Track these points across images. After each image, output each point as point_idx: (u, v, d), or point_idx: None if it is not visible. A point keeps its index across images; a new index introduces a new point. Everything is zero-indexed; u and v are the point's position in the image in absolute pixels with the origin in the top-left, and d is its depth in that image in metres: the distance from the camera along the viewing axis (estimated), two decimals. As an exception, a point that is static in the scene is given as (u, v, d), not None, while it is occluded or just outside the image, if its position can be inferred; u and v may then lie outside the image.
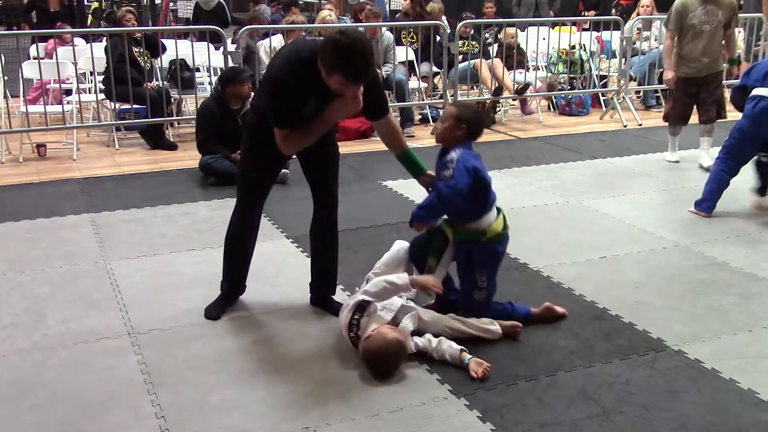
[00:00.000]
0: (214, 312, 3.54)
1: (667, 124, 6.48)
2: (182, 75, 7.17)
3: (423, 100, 8.32)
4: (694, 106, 6.23)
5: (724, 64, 6.44)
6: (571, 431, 2.64)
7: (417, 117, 8.06)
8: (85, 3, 13.79)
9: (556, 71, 8.83)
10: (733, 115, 5.48)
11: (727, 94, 5.77)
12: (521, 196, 5.44)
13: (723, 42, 6.16)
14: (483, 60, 8.03)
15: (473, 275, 3.33)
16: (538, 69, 8.81)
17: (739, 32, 9.83)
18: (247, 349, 3.21)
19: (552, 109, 8.91)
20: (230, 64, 7.03)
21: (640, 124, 8.04)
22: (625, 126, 7.99)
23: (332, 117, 3.17)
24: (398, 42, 8.10)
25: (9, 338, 3.30)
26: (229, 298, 3.63)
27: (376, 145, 7.14)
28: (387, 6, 14.88)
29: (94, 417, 2.72)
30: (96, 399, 2.83)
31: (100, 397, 2.84)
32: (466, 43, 8.20)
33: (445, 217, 3.37)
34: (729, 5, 6.06)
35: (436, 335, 3.16)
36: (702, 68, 6.07)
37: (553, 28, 9.30)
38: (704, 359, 3.13)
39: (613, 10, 10.80)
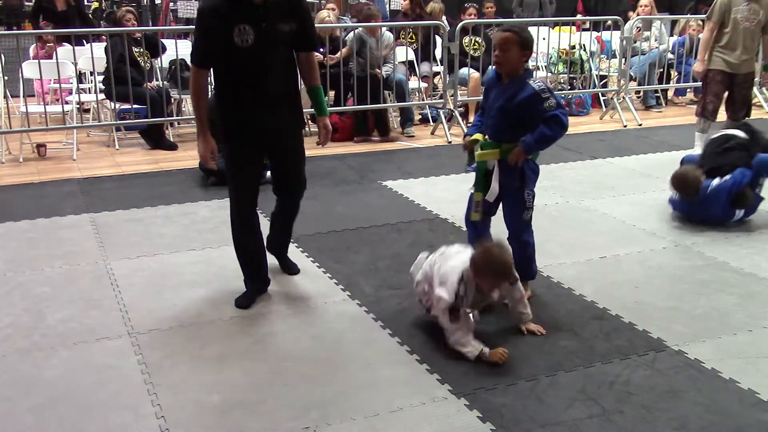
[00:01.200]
0: (243, 301, 3.62)
1: (696, 120, 6.36)
2: (182, 75, 7.17)
3: (423, 100, 8.31)
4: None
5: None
6: (571, 431, 2.64)
7: (417, 117, 8.06)
8: (85, 3, 13.77)
9: (556, 71, 8.83)
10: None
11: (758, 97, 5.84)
12: (521, 196, 5.43)
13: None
14: (476, 75, 7.93)
15: (522, 195, 3.52)
16: (538, 69, 8.81)
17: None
18: (247, 349, 3.21)
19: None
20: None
21: (640, 124, 8.04)
22: (625, 126, 7.99)
23: (200, 135, 3.42)
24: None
25: (9, 338, 3.30)
26: (254, 289, 3.69)
27: (376, 145, 7.15)
28: (387, 6, 14.88)
29: (95, 417, 2.72)
30: (96, 399, 2.83)
31: (101, 398, 2.84)
32: (473, 40, 8.12)
33: (485, 140, 3.51)
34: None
35: None
36: (739, 65, 6.08)
37: (553, 28, 9.30)
38: (704, 359, 3.13)
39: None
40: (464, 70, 7.88)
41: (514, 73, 3.43)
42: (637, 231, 4.71)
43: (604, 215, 5.01)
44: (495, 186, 3.52)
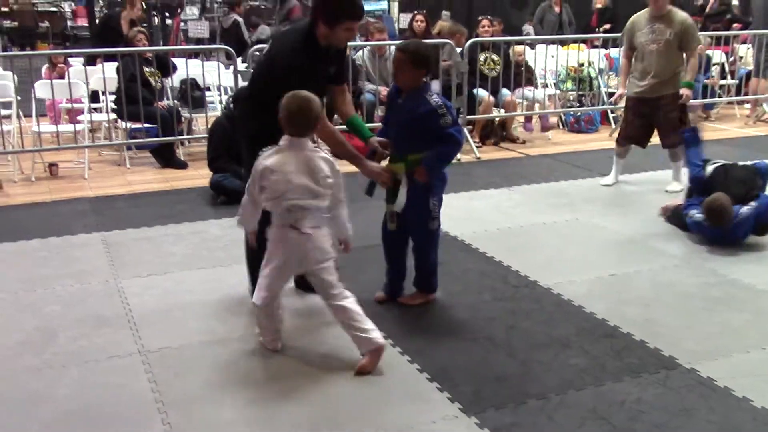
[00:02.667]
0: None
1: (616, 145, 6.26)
2: (193, 94, 7.22)
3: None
4: (652, 129, 6.03)
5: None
6: (583, 450, 2.62)
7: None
8: (97, 23, 13.91)
9: (564, 88, 8.84)
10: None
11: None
12: (530, 213, 5.44)
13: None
14: (491, 98, 7.90)
15: (428, 204, 3.61)
16: (546, 86, 8.83)
17: (748, 48, 9.86)
18: (258, 366, 3.21)
19: (561, 127, 8.91)
20: (240, 83, 7.07)
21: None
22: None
23: (364, 168, 3.61)
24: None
25: (20, 356, 3.31)
26: None
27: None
28: (395, 25, 14.97)
29: (105, 436, 2.72)
30: (106, 417, 2.83)
31: (111, 416, 2.84)
32: (488, 58, 8.08)
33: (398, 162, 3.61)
34: (680, 23, 5.72)
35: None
36: (650, 89, 5.81)
37: (562, 46, 9.33)
38: (717, 377, 3.10)
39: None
40: (478, 92, 7.81)
41: (412, 88, 3.54)
42: (647, 248, 4.70)
43: (615, 232, 5.00)
44: (402, 197, 3.60)
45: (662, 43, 5.74)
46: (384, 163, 3.69)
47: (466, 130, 7.52)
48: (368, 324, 3.17)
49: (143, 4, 9.61)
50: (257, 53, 7.54)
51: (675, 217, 5.06)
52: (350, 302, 3.19)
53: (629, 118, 6.10)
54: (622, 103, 6.31)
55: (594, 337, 3.48)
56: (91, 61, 8.02)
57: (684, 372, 3.16)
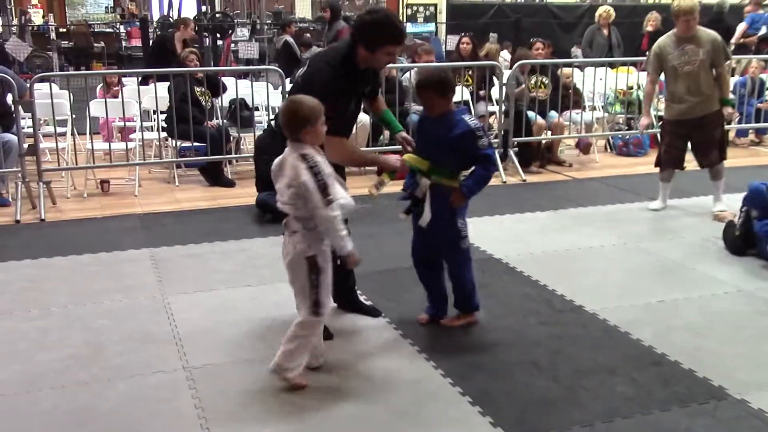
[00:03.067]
0: (326, 333, 3.63)
1: (658, 170, 6.14)
2: (242, 114, 7.33)
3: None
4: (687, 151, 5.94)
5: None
6: (628, 480, 2.56)
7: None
8: (150, 44, 14.25)
9: (613, 111, 8.75)
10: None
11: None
12: (577, 237, 5.37)
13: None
14: (542, 122, 7.85)
15: (455, 225, 3.62)
16: (595, 109, 8.75)
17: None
18: (299, 387, 3.22)
19: (609, 150, 8.81)
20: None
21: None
22: (685, 167, 7.83)
23: (382, 163, 3.61)
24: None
25: (68, 370, 3.38)
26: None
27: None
28: (443, 47, 15.02)
29: (148, 450, 2.75)
30: (150, 432, 2.87)
31: (154, 430, 2.88)
32: (539, 81, 8.03)
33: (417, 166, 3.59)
34: (710, 42, 5.69)
35: None
36: (689, 110, 5.75)
37: (611, 68, 9.24)
38: (769, 409, 3.02)
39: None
40: (530, 114, 7.79)
41: (446, 113, 3.57)
42: (697, 275, 4.60)
43: (663, 258, 4.91)
44: (428, 212, 3.58)
45: (697, 64, 5.72)
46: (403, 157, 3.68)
47: (512, 153, 7.50)
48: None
49: (195, 26, 9.81)
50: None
51: (728, 233, 5.04)
52: (296, 321, 3.18)
53: (670, 141, 6.00)
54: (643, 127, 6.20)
55: (641, 364, 3.41)
56: (144, 80, 8.21)
57: (734, 403, 3.08)
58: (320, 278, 3.11)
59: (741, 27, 11.98)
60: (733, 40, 11.67)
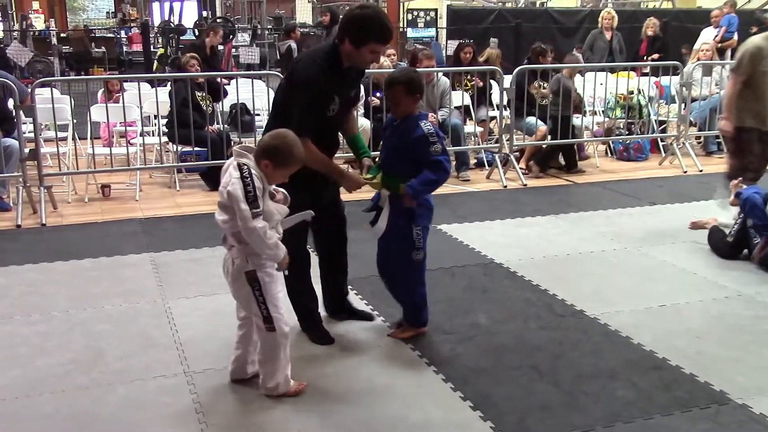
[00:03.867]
0: (327, 338, 3.68)
1: (732, 183, 5.35)
2: (242, 119, 7.34)
3: (479, 144, 8.32)
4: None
5: None
6: (630, 485, 2.56)
7: (472, 161, 8.07)
8: (152, 49, 14.28)
9: (613, 116, 8.76)
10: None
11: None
12: (578, 241, 5.37)
13: None
14: (544, 128, 7.84)
15: (410, 234, 3.52)
16: (596, 113, 8.75)
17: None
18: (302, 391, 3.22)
19: (609, 155, 8.82)
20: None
21: (701, 170, 7.89)
22: (686, 172, 7.86)
23: (346, 182, 3.54)
24: (453, 87, 8.14)
25: (69, 374, 3.38)
26: (316, 320, 3.77)
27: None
28: (443, 52, 15.05)
29: (149, 455, 2.75)
30: (151, 437, 2.87)
31: (155, 435, 2.88)
32: (541, 86, 8.03)
33: (376, 174, 3.55)
34: None
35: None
36: None
37: (611, 73, 9.25)
38: (770, 414, 3.01)
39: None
40: (531, 120, 7.80)
41: (409, 116, 3.53)
42: (698, 279, 4.60)
43: (664, 262, 4.91)
44: (382, 222, 3.52)
45: None
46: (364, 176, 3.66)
47: (513, 157, 7.50)
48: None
49: (197, 31, 9.89)
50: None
51: (714, 237, 5.07)
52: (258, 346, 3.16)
53: (753, 150, 5.51)
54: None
55: (642, 369, 3.41)
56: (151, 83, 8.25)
57: (735, 407, 3.07)
58: (264, 292, 3.01)
59: (715, 31, 11.75)
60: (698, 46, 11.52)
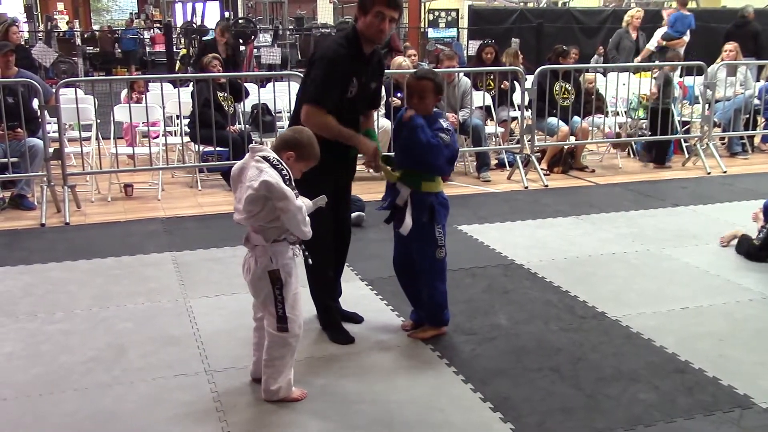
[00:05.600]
0: (347, 337, 3.69)
1: None
2: (264, 119, 7.37)
3: (500, 145, 8.30)
4: None
5: None
6: (651, 489, 2.53)
7: (493, 162, 8.04)
8: (174, 50, 14.38)
9: (636, 117, 8.69)
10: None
11: None
12: (599, 242, 5.34)
13: None
14: (566, 128, 7.80)
15: (433, 233, 3.55)
16: (618, 114, 8.69)
17: None
18: (319, 391, 3.22)
19: (632, 155, 8.75)
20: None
21: (725, 172, 7.81)
22: (709, 173, 7.78)
23: (360, 144, 3.58)
24: (475, 87, 8.13)
25: (91, 372, 3.41)
26: (334, 319, 3.79)
27: (450, 189, 7.15)
28: (465, 52, 15.01)
29: (170, 452, 2.76)
30: (172, 435, 2.88)
31: (176, 433, 2.89)
32: (563, 87, 8.00)
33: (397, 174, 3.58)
34: None
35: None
36: None
37: (634, 74, 9.18)
38: (795, 419, 2.97)
39: None
40: (552, 120, 7.77)
41: (427, 115, 3.54)
42: (721, 281, 4.55)
43: (687, 264, 4.86)
44: (408, 219, 3.53)
45: None
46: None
47: (534, 158, 7.47)
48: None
49: (222, 32, 9.97)
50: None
51: (743, 245, 4.97)
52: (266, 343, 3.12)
53: None
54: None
55: (664, 371, 3.38)
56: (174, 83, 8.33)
57: (760, 412, 3.03)
58: (284, 292, 3.01)
59: (664, 29, 11.46)
60: (652, 45, 11.27)
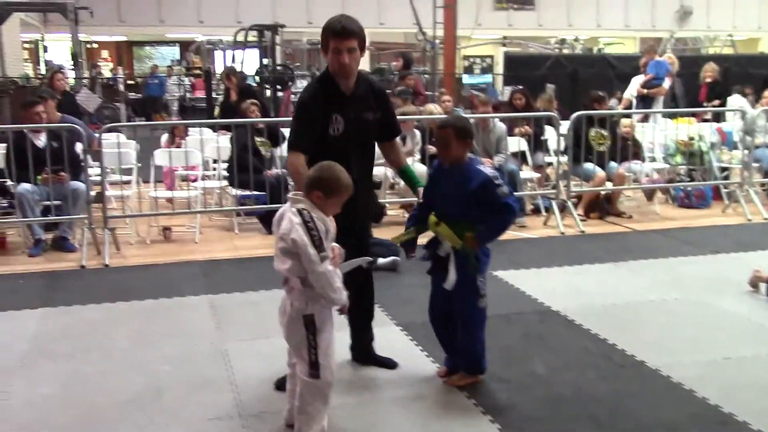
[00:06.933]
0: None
1: None
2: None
3: (535, 190, 8.27)
4: None
5: None
6: None
7: (529, 207, 8.02)
8: (213, 96, 14.66)
9: (674, 163, 8.62)
10: None
11: None
12: (637, 290, 5.26)
13: None
14: (602, 174, 7.74)
15: (475, 282, 3.52)
16: (654, 160, 8.63)
17: None
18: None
19: (670, 201, 8.66)
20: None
21: (766, 218, 7.68)
22: (749, 220, 7.65)
23: None
24: (510, 132, 8.14)
25: (128, 413, 3.42)
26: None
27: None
28: (500, 97, 15.08)
29: (203, 497, 2.75)
30: (206, 479, 2.88)
31: (210, 478, 2.88)
32: (599, 133, 7.96)
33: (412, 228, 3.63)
34: None
35: None
36: None
37: (671, 119, 9.14)
38: None
39: None
40: (589, 165, 7.72)
41: (459, 162, 3.51)
42: (764, 331, 4.45)
43: (727, 312, 4.76)
44: (452, 273, 3.50)
45: None
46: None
47: (570, 204, 7.43)
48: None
49: (257, 77, 10.15)
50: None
51: None
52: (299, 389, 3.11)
53: None
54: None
55: (706, 423, 3.30)
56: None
57: (807, 467, 2.94)
58: (318, 338, 3.00)
59: (641, 77, 11.28)
60: (633, 92, 11.16)
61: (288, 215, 2.99)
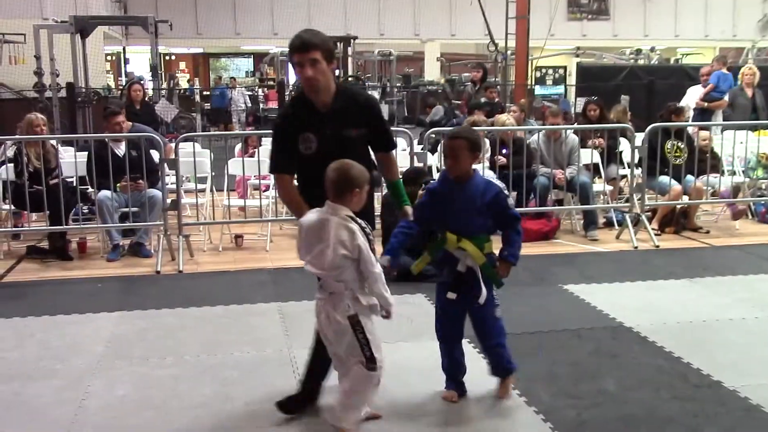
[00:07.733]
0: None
1: None
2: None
3: (608, 203, 8.11)
4: None
5: None
6: None
7: (601, 220, 7.86)
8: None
9: (754, 176, 8.33)
10: None
11: None
12: (715, 308, 5.09)
13: None
14: (678, 188, 7.52)
15: (492, 293, 3.54)
16: (734, 173, 8.35)
17: None
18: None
19: (750, 217, 8.36)
20: (416, 163, 7.26)
21: None
22: None
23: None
24: (583, 144, 8.01)
25: (198, 419, 3.49)
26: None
27: (556, 247, 7.02)
28: (573, 109, 14.88)
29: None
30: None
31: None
32: (675, 146, 7.76)
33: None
34: None
35: None
36: None
37: (752, 132, 8.84)
38: None
39: None
40: (664, 179, 7.53)
41: (467, 175, 3.49)
42: None
43: (812, 334, 4.56)
44: (484, 288, 3.49)
45: None
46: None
47: (644, 217, 7.25)
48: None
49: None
50: (432, 135, 7.73)
51: None
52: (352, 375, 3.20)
53: None
54: None
55: (788, 449, 3.16)
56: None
57: None
58: (366, 334, 3.13)
59: (701, 88, 10.78)
60: (691, 103, 10.68)
61: (336, 221, 3.09)
